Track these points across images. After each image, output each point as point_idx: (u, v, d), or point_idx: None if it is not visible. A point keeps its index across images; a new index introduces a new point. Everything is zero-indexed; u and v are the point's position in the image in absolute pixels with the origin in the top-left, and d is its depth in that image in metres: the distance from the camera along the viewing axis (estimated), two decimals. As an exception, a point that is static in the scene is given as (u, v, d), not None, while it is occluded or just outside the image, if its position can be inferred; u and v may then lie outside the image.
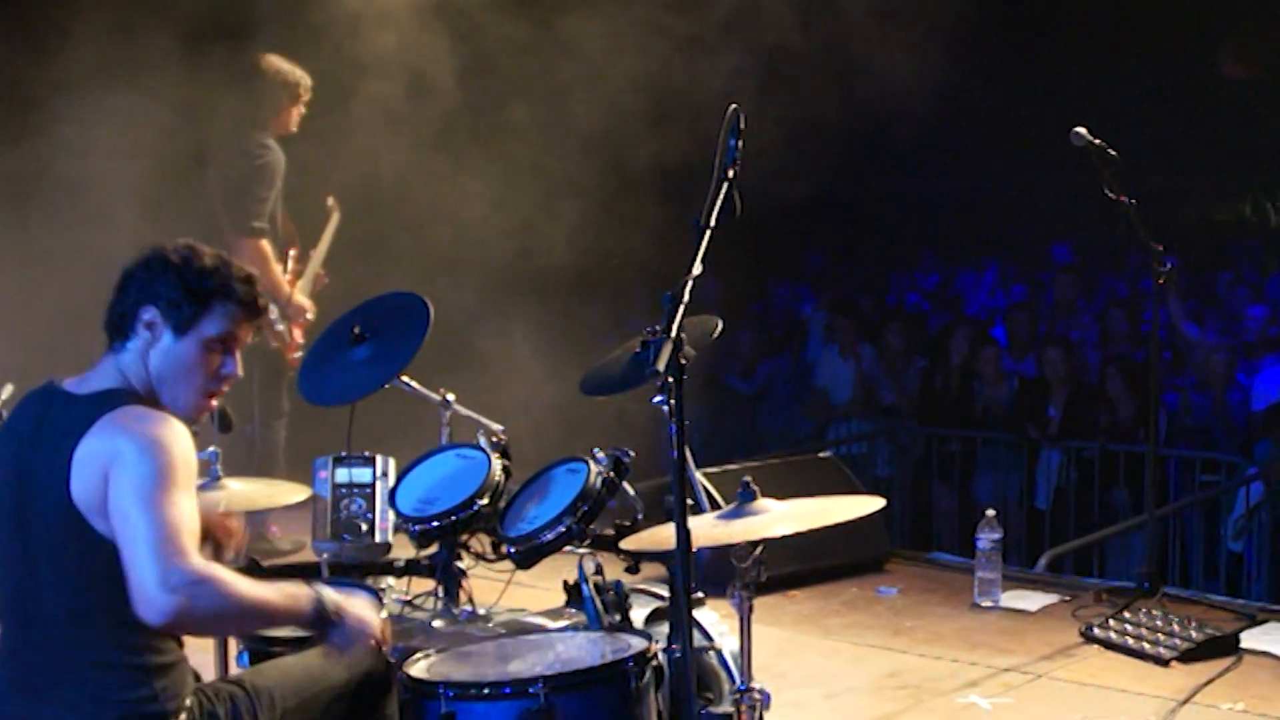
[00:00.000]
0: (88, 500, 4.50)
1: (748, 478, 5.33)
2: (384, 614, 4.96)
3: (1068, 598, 9.52)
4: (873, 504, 5.41)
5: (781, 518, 5.20)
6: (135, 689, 4.59)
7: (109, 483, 4.48)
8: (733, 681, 5.50)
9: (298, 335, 10.22)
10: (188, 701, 4.70)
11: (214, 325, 4.80)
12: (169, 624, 4.44)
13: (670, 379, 4.47)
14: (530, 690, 4.81)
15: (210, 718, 4.72)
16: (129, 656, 4.59)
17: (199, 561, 4.44)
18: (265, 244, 9.98)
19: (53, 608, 4.56)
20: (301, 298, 10.23)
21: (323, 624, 4.73)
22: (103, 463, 4.49)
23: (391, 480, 6.50)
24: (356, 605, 4.81)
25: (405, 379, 6.68)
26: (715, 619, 5.90)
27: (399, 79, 10.76)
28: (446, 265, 11.41)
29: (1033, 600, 9.48)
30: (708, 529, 5.11)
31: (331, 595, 4.73)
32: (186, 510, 4.50)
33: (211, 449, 6.32)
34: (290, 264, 10.31)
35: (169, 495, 4.47)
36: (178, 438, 4.59)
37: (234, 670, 5.49)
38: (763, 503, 5.20)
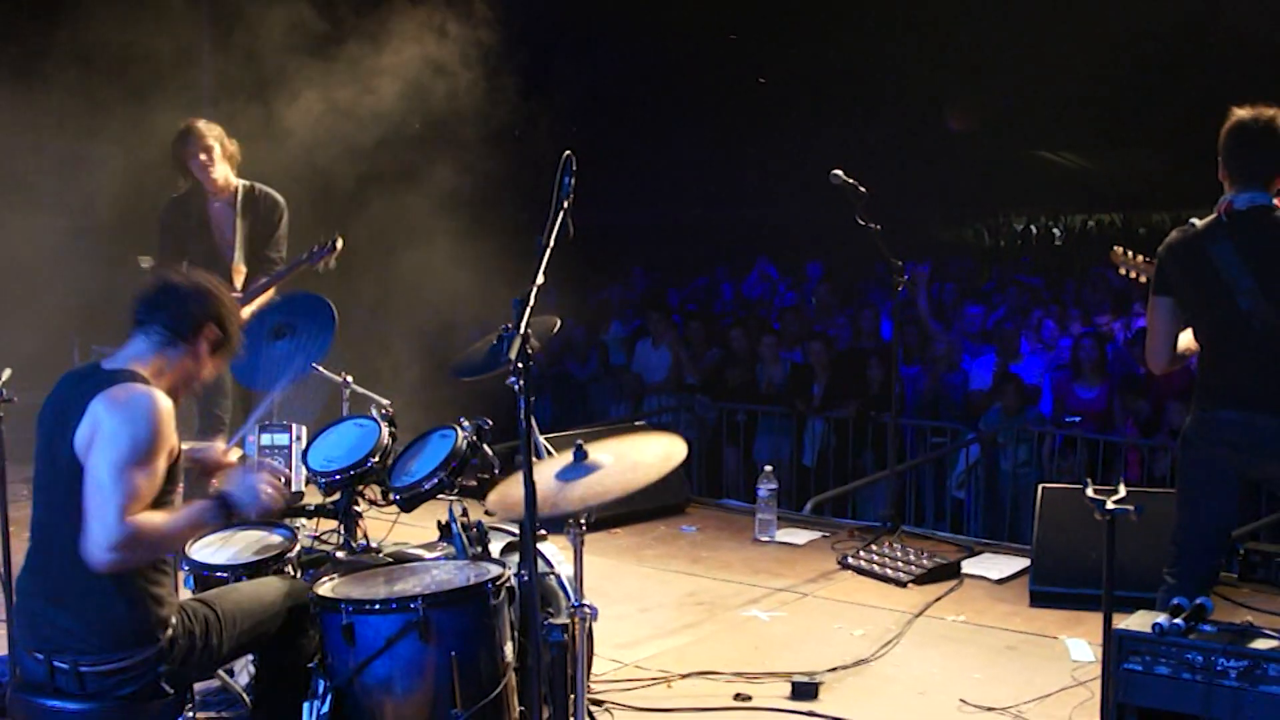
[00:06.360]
0: (83, 451, 4.56)
1: (580, 440, 5.40)
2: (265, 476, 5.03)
3: (828, 534, 9.68)
4: (676, 444, 5.45)
5: (609, 465, 5.25)
6: (134, 606, 4.65)
7: (91, 442, 4.54)
8: (569, 599, 5.51)
9: None
10: (173, 619, 4.76)
11: None
12: (108, 572, 4.53)
13: (520, 365, 4.51)
14: (411, 606, 4.91)
15: (189, 634, 4.79)
16: (131, 579, 4.65)
17: (131, 522, 4.50)
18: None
19: (68, 535, 4.58)
20: None
21: (226, 516, 4.87)
22: (93, 423, 4.55)
23: (304, 443, 6.51)
24: (240, 483, 4.93)
25: (314, 365, 6.72)
26: (555, 550, 5.94)
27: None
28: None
29: (801, 536, 9.62)
30: (553, 492, 5.14)
31: (222, 497, 4.88)
32: (144, 483, 4.56)
33: None
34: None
35: (134, 468, 4.53)
36: (159, 413, 4.63)
37: (182, 591, 5.50)
38: (594, 456, 5.26)
